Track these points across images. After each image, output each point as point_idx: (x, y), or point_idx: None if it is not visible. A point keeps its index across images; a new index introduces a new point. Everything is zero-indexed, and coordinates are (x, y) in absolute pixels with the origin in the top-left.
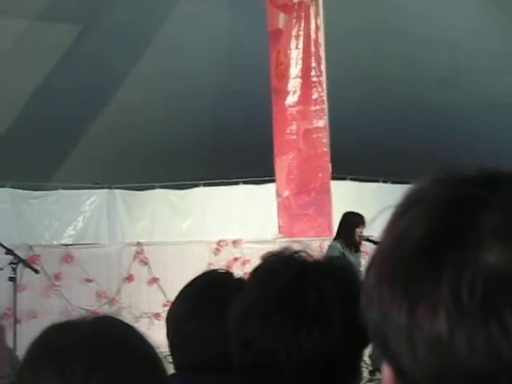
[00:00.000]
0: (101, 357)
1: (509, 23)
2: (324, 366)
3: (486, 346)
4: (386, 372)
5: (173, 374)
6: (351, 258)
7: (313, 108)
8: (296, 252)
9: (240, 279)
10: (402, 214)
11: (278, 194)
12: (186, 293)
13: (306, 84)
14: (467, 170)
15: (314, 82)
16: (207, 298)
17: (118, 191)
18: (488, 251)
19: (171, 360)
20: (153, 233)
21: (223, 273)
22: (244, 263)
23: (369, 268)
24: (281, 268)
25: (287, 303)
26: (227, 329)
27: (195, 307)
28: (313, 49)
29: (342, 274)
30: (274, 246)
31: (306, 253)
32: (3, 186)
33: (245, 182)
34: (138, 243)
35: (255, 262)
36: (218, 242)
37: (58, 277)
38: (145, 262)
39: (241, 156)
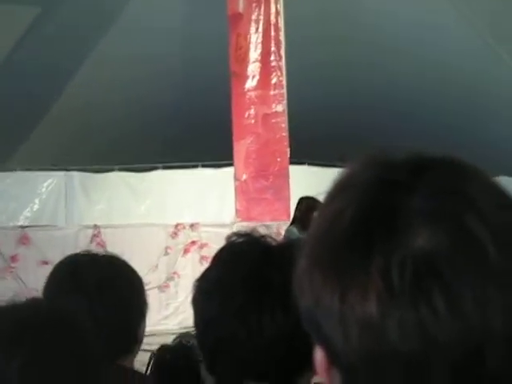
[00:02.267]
0: (25, 333)
1: None
2: (285, 350)
3: (416, 327)
4: (319, 356)
5: None
6: None
7: (272, 92)
8: (261, 235)
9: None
10: (333, 198)
11: (236, 178)
12: None
13: (266, 68)
14: (396, 155)
15: (274, 66)
16: None
17: (75, 173)
18: (417, 235)
19: None
20: (110, 215)
21: None
22: (201, 247)
23: (301, 253)
24: (245, 249)
25: (250, 284)
26: None
27: None
28: (273, 33)
29: None
30: (232, 230)
31: (270, 237)
32: None
33: (203, 166)
34: (95, 226)
35: (212, 245)
36: (176, 226)
37: (14, 259)
38: (102, 245)
39: (200, 140)
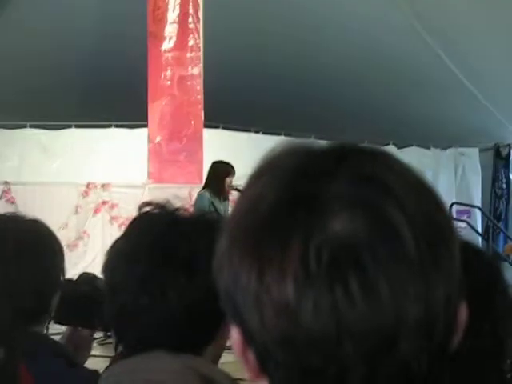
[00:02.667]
0: None
1: None
2: (189, 318)
3: (331, 310)
4: (235, 335)
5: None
6: (220, 206)
7: (188, 55)
8: (174, 207)
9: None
10: (256, 181)
11: (150, 140)
12: None
13: (183, 30)
14: (318, 143)
15: (191, 28)
16: None
17: None
18: (335, 219)
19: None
20: (21, 173)
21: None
22: (112, 207)
23: (222, 232)
24: (154, 219)
25: (156, 251)
26: None
27: None
28: None
29: (213, 228)
30: (143, 191)
31: (184, 209)
32: None
33: (117, 126)
34: (6, 182)
35: (123, 206)
36: (87, 185)
37: None
38: (12, 202)
39: (115, 100)
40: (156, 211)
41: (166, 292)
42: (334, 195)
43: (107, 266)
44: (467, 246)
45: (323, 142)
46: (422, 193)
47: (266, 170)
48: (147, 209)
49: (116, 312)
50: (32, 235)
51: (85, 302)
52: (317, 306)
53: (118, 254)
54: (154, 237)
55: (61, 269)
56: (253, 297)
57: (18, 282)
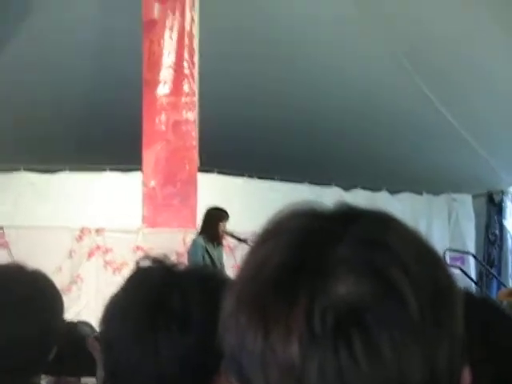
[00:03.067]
0: None
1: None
2: (181, 372)
3: (336, 373)
4: None
5: None
6: (214, 252)
7: (183, 100)
8: (172, 262)
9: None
10: (262, 243)
11: (144, 184)
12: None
13: (178, 75)
14: (325, 206)
15: (186, 74)
16: None
17: None
18: (340, 282)
19: None
20: (15, 216)
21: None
22: (106, 251)
23: (228, 294)
24: (149, 272)
25: (149, 305)
26: None
27: None
28: (186, 41)
29: (208, 282)
30: (137, 236)
31: (182, 264)
32: None
33: (111, 170)
34: (0, 226)
35: (117, 250)
36: (81, 229)
37: None
38: (5, 246)
39: (109, 144)
40: (152, 265)
41: (158, 346)
42: (340, 259)
43: (103, 321)
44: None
45: (318, 189)
46: (426, 257)
47: (273, 232)
48: (144, 262)
49: (111, 366)
50: (34, 287)
51: (71, 350)
52: (321, 367)
53: (114, 309)
54: (148, 291)
55: (61, 320)
56: (258, 357)
57: (20, 335)
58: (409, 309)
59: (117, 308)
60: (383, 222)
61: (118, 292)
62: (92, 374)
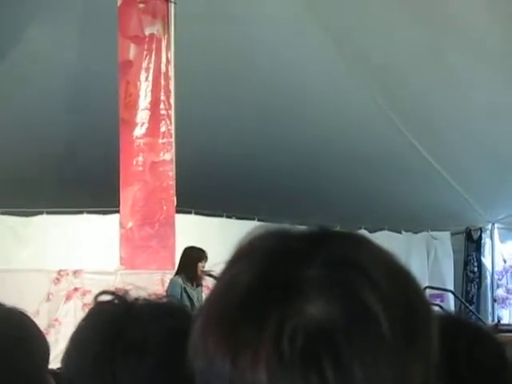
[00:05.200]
0: None
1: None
2: None
3: None
4: None
5: None
6: (193, 292)
7: (160, 141)
8: (132, 296)
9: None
10: (232, 264)
11: (122, 226)
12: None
13: (155, 116)
14: (297, 227)
15: (163, 114)
16: None
17: None
18: (310, 303)
19: None
20: None
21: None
22: (84, 293)
23: (197, 315)
24: (108, 305)
25: (106, 336)
26: None
27: None
28: (163, 82)
29: (169, 314)
30: (115, 278)
31: (145, 299)
32: None
33: (89, 212)
34: None
35: (95, 292)
36: (59, 272)
37: None
38: None
39: (86, 186)
40: (111, 300)
41: (116, 375)
42: (310, 279)
43: (63, 357)
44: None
45: (298, 227)
46: (397, 276)
47: (242, 254)
48: (104, 297)
49: None
50: (19, 329)
51: None
52: None
53: (73, 343)
54: (106, 323)
55: (47, 362)
56: (226, 381)
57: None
58: (380, 329)
59: (75, 342)
60: (354, 242)
61: (77, 327)
62: None
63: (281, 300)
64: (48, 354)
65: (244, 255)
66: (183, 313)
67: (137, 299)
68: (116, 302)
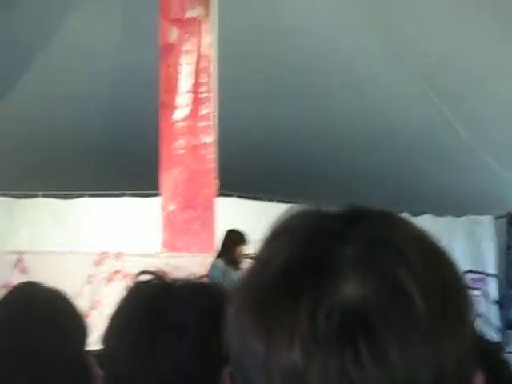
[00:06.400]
0: None
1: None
2: (180, 379)
3: (340, 375)
4: None
5: None
6: (234, 275)
7: (201, 124)
8: (171, 277)
9: None
10: (267, 243)
11: (163, 208)
12: None
13: (196, 99)
14: (334, 206)
15: (204, 97)
16: None
17: None
18: (346, 282)
19: None
20: (34, 242)
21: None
22: (125, 276)
23: (233, 296)
24: (148, 285)
25: (146, 315)
26: None
27: None
28: (204, 64)
29: (210, 292)
30: (157, 260)
31: (184, 279)
32: None
33: (130, 195)
34: (18, 252)
35: None
36: (100, 254)
37: None
38: (24, 272)
39: (128, 169)
40: (150, 280)
41: (156, 355)
42: (346, 258)
43: (103, 337)
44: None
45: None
46: (434, 257)
47: (278, 233)
48: (144, 277)
49: (112, 380)
50: (56, 310)
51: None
52: (325, 370)
53: (112, 323)
54: (145, 304)
55: (85, 343)
56: (261, 360)
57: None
58: (416, 310)
59: (114, 323)
60: (390, 221)
61: (117, 307)
62: None
63: (316, 279)
64: (86, 335)
65: (280, 234)
66: (222, 293)
67: (176, 280)
68: (155, 282)
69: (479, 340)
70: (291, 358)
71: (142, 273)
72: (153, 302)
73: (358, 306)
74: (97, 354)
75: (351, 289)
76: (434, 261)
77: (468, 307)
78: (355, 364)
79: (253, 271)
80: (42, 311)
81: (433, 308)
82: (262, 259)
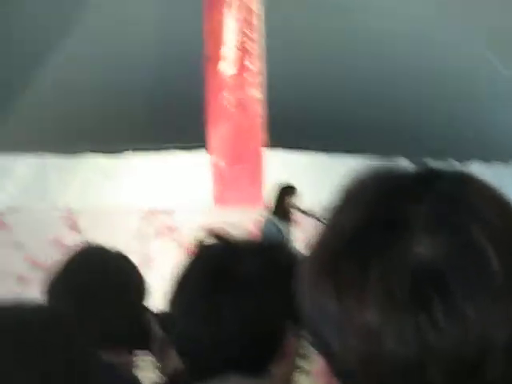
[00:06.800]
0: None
1: None
2: (246, 336)
3: (415, 336)
4: (321, 365)
5: None
6: (286, 229)
7: (247, 77)
8: (232, 237)
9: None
10: (339, 206)
11: (212, 164)
12: None
13: (242, 53)
14: (408, 166)
15: (250, 51)
16: None
17: (48, 156)
18: (419, 242)
19: None
20: (83, 198)
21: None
22: (175, 231)
23: (306, 259)
24: (210, 246)
25: (209, 273)
26: None
27: None
28: (250, 18)
29: (273, 249)
30: (207, 216)
31: (243, 238)
32: None
33: (176, 148)
34: (68, 209)
35: (186, 230)
36: (150, 210)
37: None
38: (74, 228)
39: (173, 123)
40: (214, 241)
41: (221, 313)
42: (418, 217)
43: (169, 298)
44: None
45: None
46: (508, 215)
47: (350, 195)
48: (205, 238)
49: (179, 340)
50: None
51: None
52: (400, 330)
53: (177, 283)
54: (209, 261)
55: (145, 300)
56: (334, 321)
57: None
58: (491, 269)
59: (179, 283)
60: (464, 180)
61: (181, 269)
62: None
63: (388, 240)
64: (147, 295)
65: (351, 197)
66: (284, 252)
67: (238, 241)
68: (218, 244)
69: None
70: (365, 319)
71: (203, 233)
72: (217, 263)
73: (431, 265)
74: (157, 314)
75: (424, 248)
76: (509, 220)
77: None
78: (430, 324)
79: (325, 234)
80: (105, 271)
81: (507, 266)
82: (334, 221)
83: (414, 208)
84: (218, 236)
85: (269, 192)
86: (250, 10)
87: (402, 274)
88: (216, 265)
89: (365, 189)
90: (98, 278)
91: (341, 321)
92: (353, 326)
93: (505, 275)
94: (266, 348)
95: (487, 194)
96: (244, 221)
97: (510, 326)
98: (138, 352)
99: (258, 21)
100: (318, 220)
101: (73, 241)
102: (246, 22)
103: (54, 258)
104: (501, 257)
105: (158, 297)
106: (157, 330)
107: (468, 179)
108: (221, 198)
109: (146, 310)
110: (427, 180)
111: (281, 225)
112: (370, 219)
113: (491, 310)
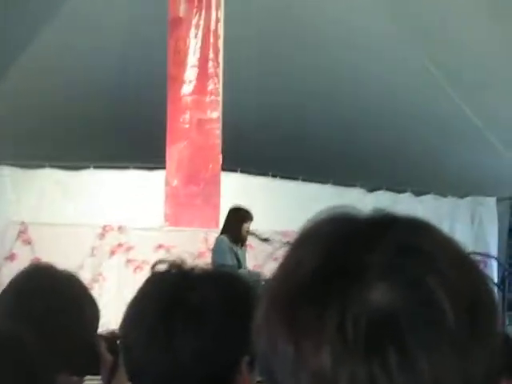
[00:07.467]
0: None
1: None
2: (198, 367)
3: (368, 382)
4: None
5: None
6: (239, 252)
7: (207, 99)
8: (188, 266)
9: None
10: (297, 247)
11: (167, 183)
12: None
13: (203, 74)
14: (363, 211)
15: (211, 72)
16: None
17: (5, 167)
18: (373, 289)
19: None
20: (39, 213)
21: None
22: (128, 249)
23: (261, 298)
24: (166, 273)
25: (164, 302)
26: None
27: None
28: (211, 40)
29: (228, 280)
30: (160, 234)
31: (199, 268)
32: None
33: (135, 168)
34: (23, 222)
35: (140, 248)
36: (104, 227)
37: None
38: (28, 242)
39: (132, 142)
40: (169, 269)
41: (173, 342)
42: (374, 264)
43: (122, 324)
44: None
45: (341, 190)
46: (463, 265)
47: (306, 238)
48: (161, 266)
49: (130, 367)
50: (74, 291)
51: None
52: (353, 376)
53: (131, 310)
54: (164, 291)
55: (97, 327)
56: (289, 365)
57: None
58: (445, 318)
59: (133, 309)
60: (419, 228)
61: (135, 296)
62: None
63: (344, 285)
64: (98, 319)
65: (308, 239)
66: (240, 281)
67: (193, 268)
68: (173, 271)
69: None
70: (320, 362)
71: (159, 262)
72: (171, 292)
73: (386, 312)
74: (107, 337)
75: (379, 295)
76: (464, 269)
77: (497, 315)
78: (383, 371)
79: (281, 275)
80: (58, 293)
81: (462, 316)
82: (290, 263)
83: (369, 255)
84: (172, 264)
85: (223, 214)
86: (212, 32)
87: (356, 321)
88: (171, 293)
89: (321, 232)
90: (46, 301)
91: (295, 363)
92: (307, 369)
93: (459, 327)
94: (219, 380)
95: (443, 243)
96: (195, 241)
97: (462, 376)
98: (87, 375)
99: (219, 43)
100: (272, 244)
101: (26, 256)
102: (209, 44)
103: (5, 271)
104: (456, 308)
105: (109, 313)
106: (106, 353)
107: (424, 227)
108: (173, 218)
109: (96, 333)
110: (383, 227)
111: (234, 247)
112: (326, 265)
113: (444, 360)
